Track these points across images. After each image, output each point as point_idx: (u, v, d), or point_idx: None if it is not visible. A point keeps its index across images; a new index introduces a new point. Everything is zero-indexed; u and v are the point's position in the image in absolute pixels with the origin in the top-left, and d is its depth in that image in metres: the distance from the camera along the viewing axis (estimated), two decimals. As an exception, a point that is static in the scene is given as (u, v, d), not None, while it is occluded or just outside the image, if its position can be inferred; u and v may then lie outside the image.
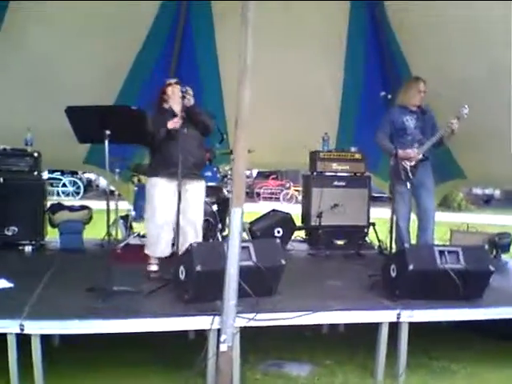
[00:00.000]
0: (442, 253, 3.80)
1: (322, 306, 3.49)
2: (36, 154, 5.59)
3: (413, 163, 4.95)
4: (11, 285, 3.74)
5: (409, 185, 4.86)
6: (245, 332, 3.30)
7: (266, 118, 6.73)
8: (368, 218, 6.09)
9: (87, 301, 3.45)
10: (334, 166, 6.05)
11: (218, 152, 5.77)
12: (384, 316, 3.51)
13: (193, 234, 4.20)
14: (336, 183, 6.02)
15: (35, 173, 5.57)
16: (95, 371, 3.39)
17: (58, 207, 5.81)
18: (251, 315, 3.27)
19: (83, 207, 5.96)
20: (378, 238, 5.92)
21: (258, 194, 22.12)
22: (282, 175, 21.95)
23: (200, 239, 4.30)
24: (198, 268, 3.37)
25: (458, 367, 3.80)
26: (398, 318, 3.50)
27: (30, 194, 5.49)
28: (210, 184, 5.38)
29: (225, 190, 5.59)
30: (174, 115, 4.15)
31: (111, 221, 5.87)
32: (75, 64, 5.61)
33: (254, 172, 26.30)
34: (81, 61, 5.60)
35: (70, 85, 5.63)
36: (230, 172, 5.64)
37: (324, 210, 5.80)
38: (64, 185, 18.75)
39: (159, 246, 4.25)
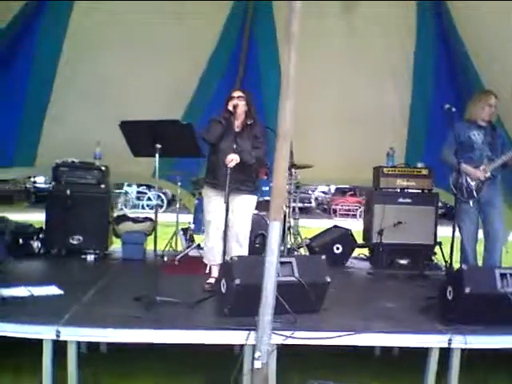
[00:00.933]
0: (503, 276, 3.51)
1: (366, 327, 3.32)
2: (103, 168, 5.83)
3: (479, 181, 4.65)
4: (61, 292, 3.87)
5: (471, 203, 4.56)
6: (289, 349, 3.19)
7: (332, 134, 6.70)
8: (435, 237, 5.76)
9: (130, 310, 3.49)
10: (399, 181, 5.81)
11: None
12: (433, 340, 3.27)
13: (236, 247, 4.18)
14: (400, 200, 5.76)
15: (102, 185, 5.80)
16: (133, 381, 3.41)
17: (123, 218, 6.01)
18: (289, 333, 3.17)
19: (146, 219, 6.12)
20: (444, 258, 5.59)
21: (335, 211, 21.84)
22: (361, 192, 21.51)
23: (245, 252, 4.26)
24: (237, 282, 3.33)
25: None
26: (449, 343, 3.25)
27: (96, 206, 5.73)
28: (268, 198, 5.33)
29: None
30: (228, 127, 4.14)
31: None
32: (143, 80, 5.83)
33: (332, 188, 26.09)
34: (149, 76, 5.81)
35: (139, 101, 5.85)
36: (286, 187, 5.57)
37: (386, 227, 5.56)
38: (149, 198, 19.53)
39: (209, 255, 4.32)
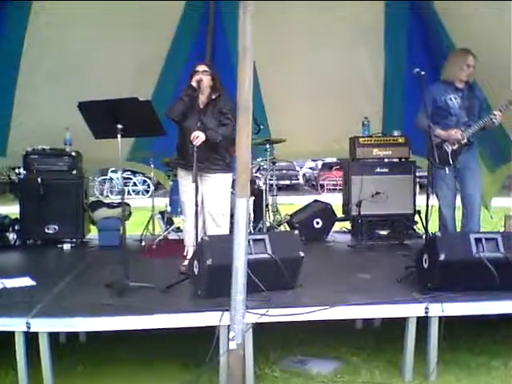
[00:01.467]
0: (478, 240, 3.47)
1: (341, 300, 3.27)
2: (74, 154, 5.71)
3: (455, 147, 4.58)
4: (33, 283, 3.77)
5: (447, 169, 4.50)
6: (267, 327, 3.15)
7: (305, 107, 6.59)
8: (414, 206, 5.70)
9: (103, 298, 3.41)
10: (375, 151, 5.71)
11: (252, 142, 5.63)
12: (410, 310, 3.23)
13: (213, 226, 4.10)
14: (378, 170, 5.66)
15: (74, 172, 5.68)
16: (108, 368, 3.36)
17: (97, 205, 5.90)
18: (263, 311, 3.11)
19: (122, 204, 5.98)
20: (424, 226, 5.54)
21: (322, 186, 21.84)
22: (346, 165, 21.45)
23: (225, 231, 4.18)
24: (209, 262, 3.26)
25: (498, 363, 3.45)
26: (426, 312, 3.22)
27: (69, 193, 5.62)
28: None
29: (260, 182, 5.44)
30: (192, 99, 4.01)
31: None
32: (109, 60, 5.67)
33: (320, 164, 26.02)
34: (114, 56, 5.66)
35: (106, 82, 5.66)
36: (262, 163, 5.49)
37: (364, 198, 5.50)
38: (135, 184, 19.32)
39: (186, 236, 4.27)
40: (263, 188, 5.42)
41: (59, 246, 5.45)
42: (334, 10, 5.58)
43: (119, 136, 3.61)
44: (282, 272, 3.43)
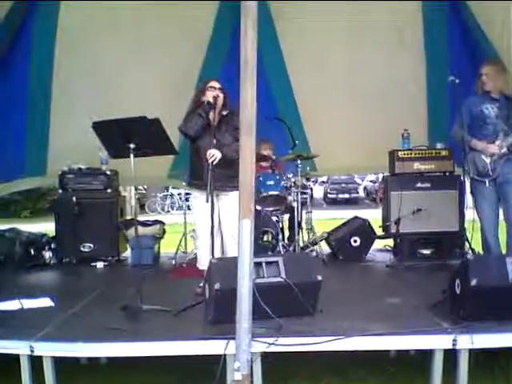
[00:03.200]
0: (516, 265, 3.12)
1: (360, 330, 3.01)
2: (109, 172, 5.74)
3: (494, 157, 4.23)
4: (52, 304, 3.76)
5: (487, 182, 4.14)
6: (293, 354, 2.96)
7: (345, 120, 6.35)
8: (461, 223, 5.30)
9: (112, 321, 3.32)
10: (416, 165, 5.37)
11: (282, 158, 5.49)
12: (435, 342, 2.93)
13: (232, 244, 3.91)
14: (419, 185, 5.33)
15: (108, 190, 5.72)
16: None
17: (131, 223, 5.87)
18: (272, 339, 2.91)
19: (156, 222, 5.97)
20: (470, 245, 5.15)
21: (381, 199, 21.18)
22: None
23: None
24: (217, 286, 3.10)
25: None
26: (453, 344, 2.91)
27: (104, 211, 5.66)
28: (272, 193, 5.06)
29: (290, 198, 5.24)
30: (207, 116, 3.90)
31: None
32: (140, 77, 5.70)
33: (381, 177, 25.37)
34: (145, 74, 5.68)
35: (140, 101, 5.69)
36: (293, 180, 5.29)
37: (403, 215, 5.17)
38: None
39: (203, 259, 4.05)
40: (294, 205, 5.19)
41: (92, 264, 5.46)
42: (371, 16, 5.38)
43: (132, 156, 3.54)
44: (298, 297, 3.22)
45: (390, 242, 5.97)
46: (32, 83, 5.55)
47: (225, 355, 2.89)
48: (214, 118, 3.91)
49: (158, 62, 5.62)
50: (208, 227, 3.73)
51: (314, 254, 5.54)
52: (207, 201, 3.57)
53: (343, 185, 27.41)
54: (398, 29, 5.47)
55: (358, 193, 26.05)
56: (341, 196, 26.95)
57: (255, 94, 2.80)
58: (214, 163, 3.68)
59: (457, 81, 3.98)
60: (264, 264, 3.22)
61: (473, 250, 5.20)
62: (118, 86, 5.69)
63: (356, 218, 6.04)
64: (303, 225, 5.64)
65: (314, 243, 5.59)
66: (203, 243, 3.98)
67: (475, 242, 4.98)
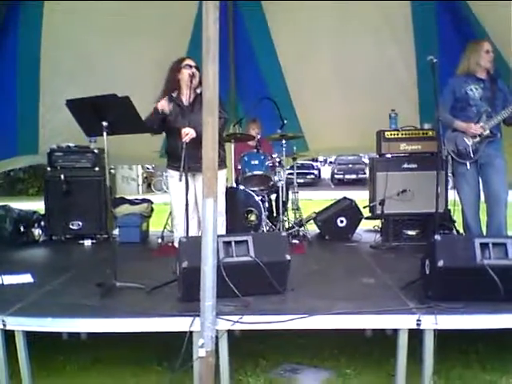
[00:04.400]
0: (484, 246, 3.12)
1: (326, 309, 3.04)
2: (97, 151, 5.76)
3: (476, 139, 4.19)
4: (32, 280, 3.82)
5: (468, 165, 4.11)
6: (269, 332, 3.00)
7: (336, 101, 6.35)
8: (446, 205, 5.28)
9: (86, 297, 3.37)
10: (403, 146, 5.33)
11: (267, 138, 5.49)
12: (400, 322, 2.95)
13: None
14: (405, 166, 5.30)
15: (96, 168, 5.75)
16: (91, 368, 3.32)
17: (120, 201, 5.93)
18: (237, 317, 2.95)
19: (144, 200, 6.02)
20: (454, 226, 5.14)
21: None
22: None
23: (222, 231, 4.03)
24: (185, 264, 3.13)
25: (509, 382, 3.09)
26: (418, 324, 2.92)
27: (92, 189, 5.70)
28: (257, 173, 5.07)
29: (276, 178, 5.23)
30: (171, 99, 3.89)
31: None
32: (127, 57, 5.70)
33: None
34: (132, 53, 5.69)
35: (126, 79, 5.69)
36: (278, 159, 5.28)
37: (389, 196, 5.16)
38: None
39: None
40: (280, 185, 5.19)
41: (81, 242, 5.52)
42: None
43: (105, 134, 3.55)
44: (267, 276, 3.24)
45: (378, 222, 5.97)
46: (21, 66, 5.59)
47: (191, 332, 2.93)
48: (184, 98, 3.89)
49: (143, 46, 5.61)
50: (183, 206, 3.75)
51: (301, 234, 5.61)
52: (180, 179, 3.58)
53: (350, 165, 27.37)
54: (386, 12, 5.40)
55: (365, 173, 25.84)
56: (347, 176, 26.95)
57: (217, 74, 2.79)
58: (188, 141, 3.68)
59: (434, 60, 3.92)
60: (233, 243, 3.24)
61: (457, 231, 5.22)
62: (106, 68, 5.72)
63: (344, 198, 6.03)
64: (289, 205, 5.65)
65: (301, 224, 5.61)
66: (179, 222, 4.01)
67: (459, 224, 4.99)
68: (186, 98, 3.88)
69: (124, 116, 3.46)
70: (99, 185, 5.71)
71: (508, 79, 4.68)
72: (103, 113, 3.48)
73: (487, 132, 4.18)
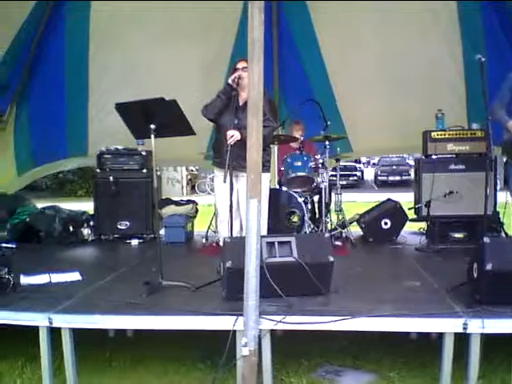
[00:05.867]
0: (535, 249, 3.04)
1: (370, 311, 3.02)
2: (144, 153, 5.90)
3: None
4: (80, 278, 3.94)
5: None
6: (310, 333, 3.03)
7: (381, 101, 6.29)
8: (494, 207, 5.15)
9: (134, 295, 3.45)
10: (450, 146, 5.23)
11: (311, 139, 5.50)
12: (445, 325, 2.90)
13: None
14: (452, 167, 5.20)
15: (144, 170, 5.89)
16: (137, 364, 3.40)
17: (166, 202, 6.04)
18: (280, 317, 2.97)
19: (189, 201, 6.12)
20: (503, 229, 5.00)
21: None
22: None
23: (264, 233, 4.05)
24: (229, 264, 3.18)
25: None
26: (464, 328, 2.87)
27: (139, 190, 5.84)
28: (300, 174, 5.07)
29: (319, 179, 5.22)
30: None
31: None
32: (175, 60, 5.80)
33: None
34: (179, 56, 5.79)
35: (174, 81, 5.80)
36: (321, 161, 5.27)
37: (435, 198, 5.07)
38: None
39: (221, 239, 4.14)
40: (323, 186, 5.18)
41: (128, 241, 5.66)
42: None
43: (152, 136, 3.64)
44: (310, 277, 3.25)
45: (423, 225, 5.87)
46: (69, 67, 5.77)
47: (234, 331, 2.97)
48: (240, 99, 3.95)
49: (190, 47, 5.70)
50: (227, 207, 3.80)
51: (344, 235, 5.58)
52: (224, 181, 3.63)
53: (394, 167, 26.92)
54: (431, 9, 5.31)
55: (409, 175, 25.31)
56: (391, 178, 26.51)
57: (262, 76, 2.82)
58: (232, 144, 3.73)
59: (483, 59, 3.82)
60: (276, 244, 3.27)
61: (506, 233, 5.07)
62: (154, 69, 5.83)
63: (388, 200, 5.96)
64: (332, 206, 5.63)
65: (344, 225, 5.58)
66: (223, 223, 4.06)
67: (508, 226, 4.85)
68: (241, 98, 3.95)
69: (171, 119, 3.54)
70: (146, 186, 5.84)
71: None
72: (151, 116, 3.56)
73: None
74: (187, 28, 5.56)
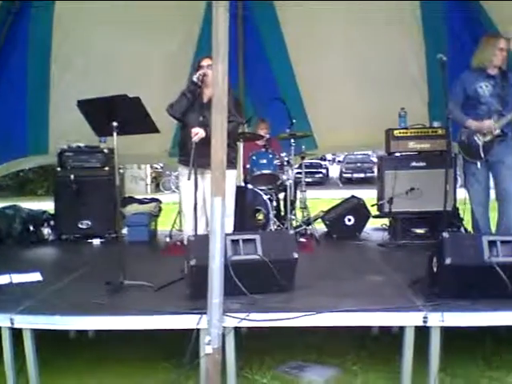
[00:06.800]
0: (492, 243, 3.11)
1: (333, 306, 3.04)
2: (106, 150, 5.80)
3: (487, 138, 4.17)
4: (41, 278, 3.85)
5: (479, 164, 4.10)
6: (275, 330, 3.01)
7: (346, 99, 6.34)
8: (454, 203, 5.27)
9: (95, 296, 3.39)
10: (411, 144, 5.34)
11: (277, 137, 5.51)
12: (406, 319, 2.95)
13: None
14: (413, 164, 5.30)
15: (106, 168, 5.79)
16: (97, 366, 3.34)
17: (129, 200, 5.97)
18: (243, 315, 2.96)
19: (153, 200, 6.06)
20: (462, 225, 5.12)
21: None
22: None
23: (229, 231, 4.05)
24: (193, 262, 3.15)
25: (516, 379, 3.09)
26: (424, 321, 2.92)
27: (101, 189, 5.73)
28: (265, 172, 5.08)
29: (284, 177, 5.24)
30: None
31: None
32: (136, 56, 5.73)
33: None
34: (141, 52, 5.70)
35: (135, 78, 5.73)
36: (286, 158, 5.30)
37: (397, 194, 5.15)
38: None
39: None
40: (288, 183, 5.20)
41: (89, 241, 5.56)
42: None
43: (115, 134, 3.58)
44: (274, 274, 3.26)
45: (386, 221, 5.97)
46: (31, 63, 5.62)
47: (198, 329, 2.95)
48: (204, 96, 3.93)
49: (153, 44, 5.63)
50: (192, 205, 3.78)
51: (308, 232, 5.61)
52: (189, 178, 3.61)
53: (358, 164, 27.30)
54: (395, 9, 5.38)
55: (373, 172, 25.60)
56: (356, 175, 26.89)
57: (227, 73, 2.81)
58: (197, 141, 3.70)
59: (444, 58, 3.90)
60: (241, 241, 3.26)
61: (465, 229, 5.20)
62: (115, 68, 5.73)
63: (352, 197, 6.03)
64: (297, 204, 5.66)
65: (309, 222, 5.62)
66: (188, 221, 4.03)
67: (467, 222, 4.97)
68: (205, 95, 3.92)
69: (134, 116, 3.50)
70: (108, 184, 5.73)
71: None
72: (114, 113, 3.51)
73: (498, 131, 4.16)
74: (150, 24, 5.47)
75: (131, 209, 5.80)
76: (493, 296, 3.06)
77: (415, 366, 2.99)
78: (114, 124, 3.56)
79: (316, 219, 5.75)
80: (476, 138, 4.23)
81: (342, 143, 6.97)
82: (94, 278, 3.91)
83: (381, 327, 3.39)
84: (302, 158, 5.72)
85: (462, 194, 4.72)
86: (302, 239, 5.29)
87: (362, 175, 26.53)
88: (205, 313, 2.92)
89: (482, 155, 4.20)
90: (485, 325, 2.95)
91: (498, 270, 2.99)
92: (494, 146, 4.20)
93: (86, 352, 3.47)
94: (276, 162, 5.15)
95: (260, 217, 5.00)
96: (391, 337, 3.50)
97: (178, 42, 5.69)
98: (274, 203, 5.31)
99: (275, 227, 5.17)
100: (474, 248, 3.11)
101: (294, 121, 5.58)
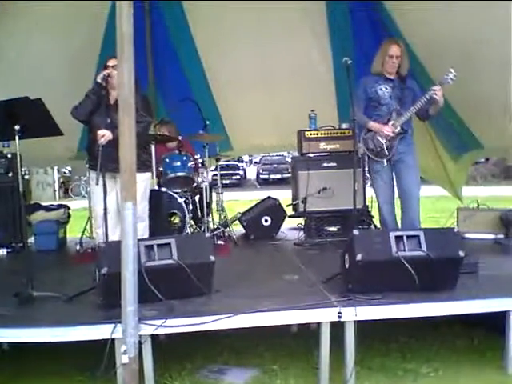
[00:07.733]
0: (399, 238, 3.25)
1: (251, 307, 3.05)
2: (10, 156, 5.47)
3: (389, 137, 4.37)
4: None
5: (385, 162, 4.29)
6: (194, 335, 2.98)
7: (259, 101, 6.39)
8: (364, 201, 5.48)
9: (3, 307, 3.19)
10: (322, 145, 5.48)
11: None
12: (322, 315, 3.02)
13: None
14: (325, 164, 5.45)
15: (9, 174, 5.47)
16: (9, 382, 3.15)
17: (35, 208, 5.69)
18: (160, 321, 2.90)
19: (61, 206, 5.80)
20: (372, 222, 5.34)
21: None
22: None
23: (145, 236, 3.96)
24: (104, 271, 3.04)
25: (429, 370, 3.24)
26: (339, 316, 3.01)
27: (6, 196, 5.41)
28: (180, 174, 5.02)
29: (199, 179, 5.21)
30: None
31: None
32: (38, 56, 5.46)
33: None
34: (43, 52, 5.45)
35: (38, 79, 5.45)
36: (200, 160, 5.27)
37: (310, 194, 5.28)
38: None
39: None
40: (204, 185, 5.17)
41: (-5, 251, 5.25)
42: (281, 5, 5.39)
43: (17, 138, 3.39)
44: (191, 278, 3.21)
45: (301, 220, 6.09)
46: None
47: (113, 339, 2.85)
48: (110, 97, 3.81)
49: (56, 43, 5.39)
50: (100, 209, 3.66)
51: (226, 234, 5.61)
52: (97, 183, 3.49)
53: (275, 165, 27.73)
54: (301, 9, 5.48)
55: (289, 173, 26.03)
56: (272, 176, 27.29)
57: (133, 73, 2.73)
58: (104, 144, 3.59)
59: (349, 61, 4.04)
60: (156, 246, 3.19)
61: (375, 226, 5.42)
62: (17, 68, 5.43)
63: (268, 198, 6.11)
64: (214, 206, 5.64)
65: (226, 225, 5.62)
66: (100, 227, 3.90)
67: (377, 219, 5.18)
68: (112, 96, 3.79)
69: (37, 119, 3.33)
70: (12, 191, 5.42)
71: (424, 79, 4.88)
72: (15, 116, 3.33)
73: (398, 129, 4.36)
74: (52, 22, 5.22)
75: (38, 216, 5.52)
76: (402, 289, 3.21)
77: (333, 360, 3.07)
78: (16, 127, 3.37)
79: (233, 221, 5.77)
80: (379, 138, 4.42)
81: (256, 144, 7.04)
82: (1, 290, 3.68)
83: (300, 324, 3.46)
84: (218, 159, 5.70)
85: (371, 192, 4.90)
86: (220, 242, 5.27)
87: (278, 176, 26.93)
88: (119, 322, 2.83)
89: (387, 153, 4.39)
90: (395, 317, 3.07)
91: (405, 263, 3.14)
92: (396, 144, 4.40)
93: (4, 365, 3.26)
94: (190, 164, 5.10)
95: (176, 220, 4.92)
96: (310, 333, 3.60)
97: (82, 41, 5.45)
98: (191, 206, 5.25)
99: (192, 230, 5.13)
100: (382, 244, 3.24)
101: (207, 122, 5.56)
